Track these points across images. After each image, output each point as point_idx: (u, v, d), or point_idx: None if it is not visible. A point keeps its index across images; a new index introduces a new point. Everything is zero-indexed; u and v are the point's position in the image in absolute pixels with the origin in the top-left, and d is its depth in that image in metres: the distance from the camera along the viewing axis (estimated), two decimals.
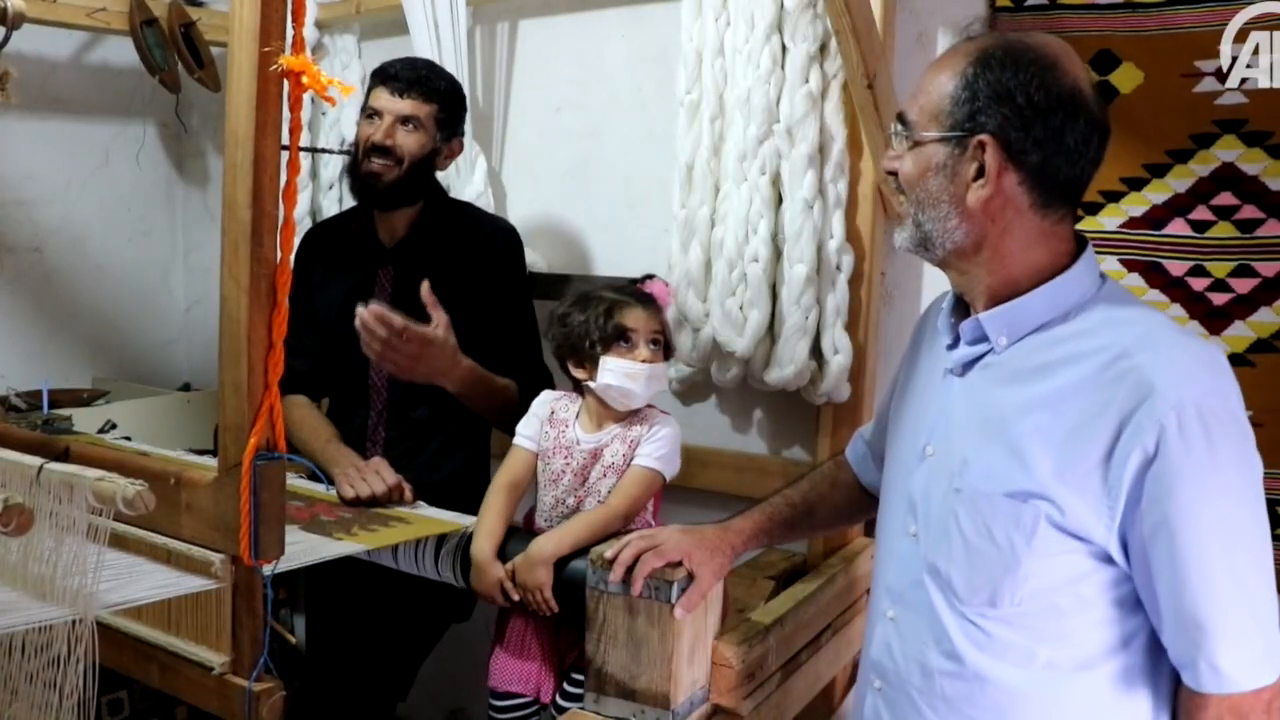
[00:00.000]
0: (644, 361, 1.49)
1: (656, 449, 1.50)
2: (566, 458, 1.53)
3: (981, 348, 1.12)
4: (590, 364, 1.50)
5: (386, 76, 1.89)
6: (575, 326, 1.52)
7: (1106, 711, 1.05)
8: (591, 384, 1.51)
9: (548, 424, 1.56)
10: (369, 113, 1.89)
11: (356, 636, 1.89)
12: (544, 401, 1.60)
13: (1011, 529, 1.03)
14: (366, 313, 1.61)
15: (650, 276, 1.61)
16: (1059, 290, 1.08)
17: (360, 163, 1.89)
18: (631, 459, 1.50)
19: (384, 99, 1.88)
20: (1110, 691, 1.05)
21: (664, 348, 1.54)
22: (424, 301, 1.69)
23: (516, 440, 1.58)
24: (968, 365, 1.14)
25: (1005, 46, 1.07)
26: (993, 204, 1.07)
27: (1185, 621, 0.98)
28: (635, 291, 1.56)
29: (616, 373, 1.48)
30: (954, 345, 1.16)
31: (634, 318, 1.50)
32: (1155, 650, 1.05)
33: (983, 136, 1.05)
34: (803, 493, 1.47)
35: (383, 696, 1.89)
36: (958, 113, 1.07)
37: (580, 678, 1.38)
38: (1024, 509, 1.03)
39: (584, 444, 1.52)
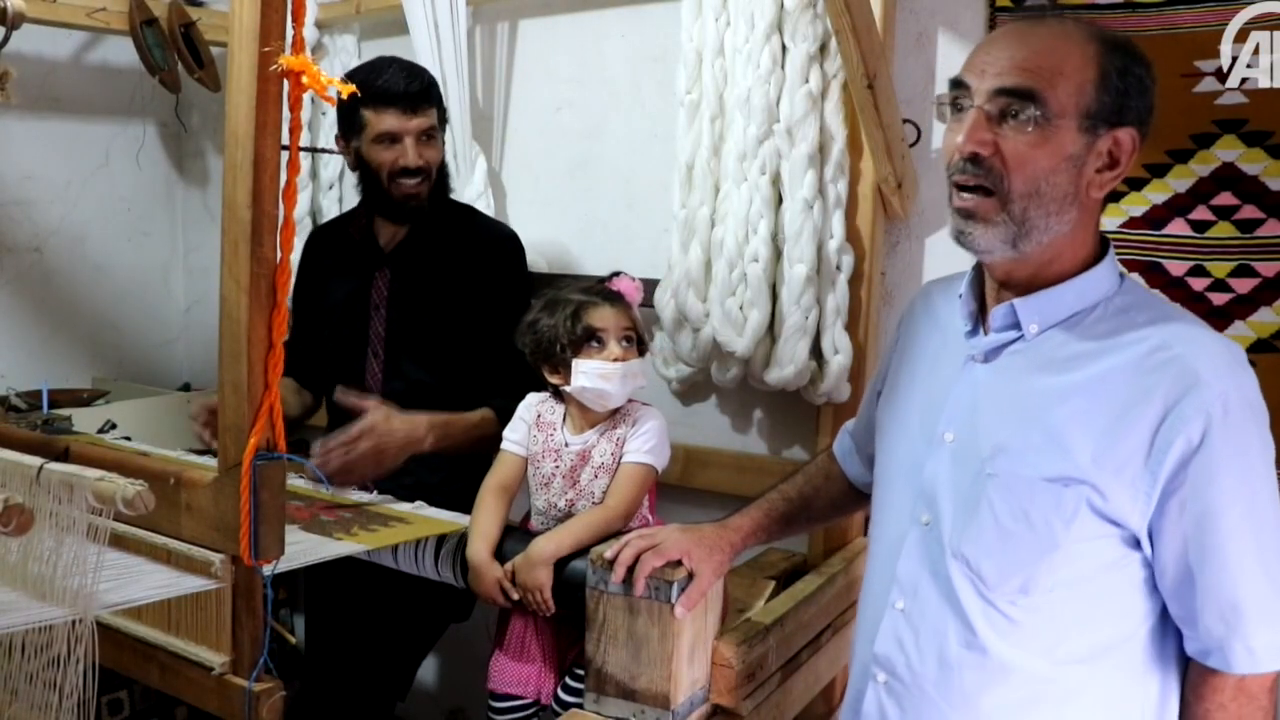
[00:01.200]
0: (616, 360, 1.47)
1: (644, 443, 1.49)
2: (556, 461, 1.52)
3: (1010, 335, 1.12)
4: (564, 368, 1.49)
5: (391, 97, 1.81)
6: (544, 332, 1.50)
7: (1122, 696, 1.07)
8: (567, 388, 1.50)
9: (535, 428, 1.56)
10: (385, 138, 1.83)
11: (356, 636, 1.89)
12: (529, 405, 1.59)
13: (1051, 513, 1.04)
14: (315, 461, 1.62)
15: (617, 274, 1.59)
16: (1090, 283, 1.09)
17: (389, 188, 1.86)
18: (620, 457, 1.50)
19: (397, 121, 1.82)
20: (1125, 676, 1.06)
21: (637, 344, 1.52)
22: (341, 404, 1.71)
23: (504, 445, 1.57)
24: (993, 352, 1.13)
25: (1119, 35, 1.06)
26: (1099, 196, 1.06)
27: (1222, 605, 1.00)
28: (602, 290, 1.54)
29: (590, 374, 1.47)
30: (974, 332, 1.16)
31: (602, 317, 1.49)
32: (1163, 635, 1.07)
33: (1131, 130, 1.03)
34: (798, 487, 1.47)
35: (382, 696, 1.88)
36: (1107, 101, 1.02)
37: (581, 673, 1.38)
38: (1066, 493, 1.03)
39: (572, 446, 1.52)
